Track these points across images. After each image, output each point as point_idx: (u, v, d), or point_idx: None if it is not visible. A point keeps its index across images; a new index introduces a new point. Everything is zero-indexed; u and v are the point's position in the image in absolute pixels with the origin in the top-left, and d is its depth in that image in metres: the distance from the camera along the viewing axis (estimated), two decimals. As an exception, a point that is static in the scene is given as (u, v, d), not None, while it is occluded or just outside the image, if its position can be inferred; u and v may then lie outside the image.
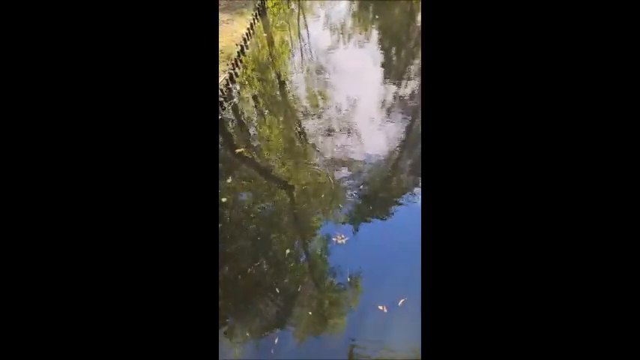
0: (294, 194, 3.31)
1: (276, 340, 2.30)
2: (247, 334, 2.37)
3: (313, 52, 6.07)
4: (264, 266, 2.74)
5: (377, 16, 7.43)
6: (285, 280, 2.65)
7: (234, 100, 4.67)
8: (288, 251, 2.83)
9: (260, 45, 6.11)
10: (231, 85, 4.81)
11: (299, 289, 2.58)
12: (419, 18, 6.93)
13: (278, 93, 5.01)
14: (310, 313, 2.45)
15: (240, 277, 2.66)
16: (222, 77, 4.62)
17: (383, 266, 2.66)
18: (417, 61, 5.53)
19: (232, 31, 5.69)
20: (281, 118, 4.42)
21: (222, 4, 6.47)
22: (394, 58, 5.99)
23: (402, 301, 2.38)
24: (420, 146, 3.88)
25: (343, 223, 3.03)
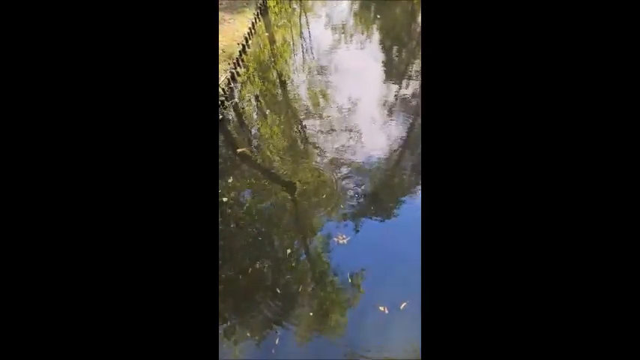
0: (295, 194, 3.31)
1: (276, 340, 2.30)
2: (248, 333, 2.37)
3: (315, 51, 6.07)
4: (265, 266, 2.74)
5: (378, 16, 7.42)
6: (286, 280, 2.65)
7: (236, 99, 4.67)
8: (289, 251, 2.82)
9: (261, 44, 6.11)
10: (232, 85, 4.81)
11: (299, 289, 2.58)
12: (420, 18, 6.92)
13: (279, 92, 5.01)
14: (311, 313, 2.44)
15: (240, 276, 2.66)
16: (224, 76, 4.62)
17: (384, 266, 2.65)
18: (419, 61, 5.52)
19: (234, 30, 5.69)
20: (282, 118, 4.42)
21: (223, 3, 6.47)
22: (395, 58, 5.98)
23: (404, 304, 2.37)
24: (420, 147, 3.87)
25: (344, 222, 3.03)
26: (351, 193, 3.29)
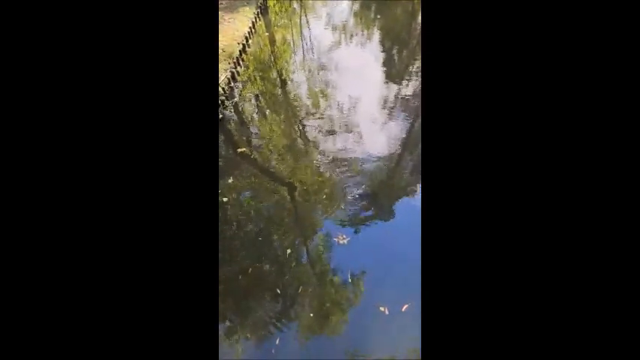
0: (296, 193, 3.31)
1: (277, 341, 2.30)
2: (248, 334, 2.37)
3: (315, 51, 6.06)
4: (265, 266, 2.74)
5: (379, 16, 7.41)
6: (286, 280, 2.65)
7: (236, 98, 4.67)
8: (289, 251, 2.82)
9: (262, 44, 6.10)
10: (232, 84, 4.81)
11: (300, 290, 2.57)
12: (420, 18, 6.92)
13: (279, 92, 5.01)
14: (311, 313, 2.44)
15: (240, 276, 2.66)
16: (224, 76, 4.62)
17: (384, 266, 2.65)
18: (419, 61, 5.52)
19: (234, 29, 5.69)
20: (282, 117, 4.41)
21: (223, 2, 6.46)
22: (396, 58, 5.97)
23: (405, 306, 2.37)
24: (420, 146, 3.87)
25: (344, 222, 3.02)
26: (351, 192, 3.29)
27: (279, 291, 2.56)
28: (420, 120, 4.21)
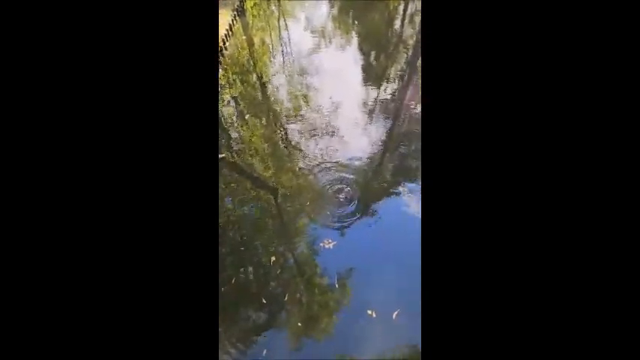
0: (279, 198, 3.25)
1: (264, 352, 2.22)
2: (232, 349, 2.27)
3: (294, 54, 6.03)
4: (250, 273, 2.65)
5: (356, 22, 7.51)
6: (272, 287, 2.58)
7: (214, 102, 4.53)
8: (273, 258, 2.75)
9: (240, 46, 5.99)
10: (210, 87, 4.67)
11: (286, 297, 2.51)
12: (396, 23, 7.10)
13: (260, 95, 4.93)
14: (298, 319, 2.39)
15: (224, 285, 2.55)
16: (201, 79, 4.48)
17: (371, 269, 2.64)
18: (397, 65, 5.63)
19: (211, 31, 5.55)
20: (263, 121, 4.34)
21: (199, 4, 6.29)
22: (374, 62, 6.06)
23: (395, 313, 2.36)
24: (401, 148, 3.94)
25: (329, 226, 2.99)
26: (335, 195, 3.27)
27: (264, 301, 2.48)
28: (399, 122, 4.29)
